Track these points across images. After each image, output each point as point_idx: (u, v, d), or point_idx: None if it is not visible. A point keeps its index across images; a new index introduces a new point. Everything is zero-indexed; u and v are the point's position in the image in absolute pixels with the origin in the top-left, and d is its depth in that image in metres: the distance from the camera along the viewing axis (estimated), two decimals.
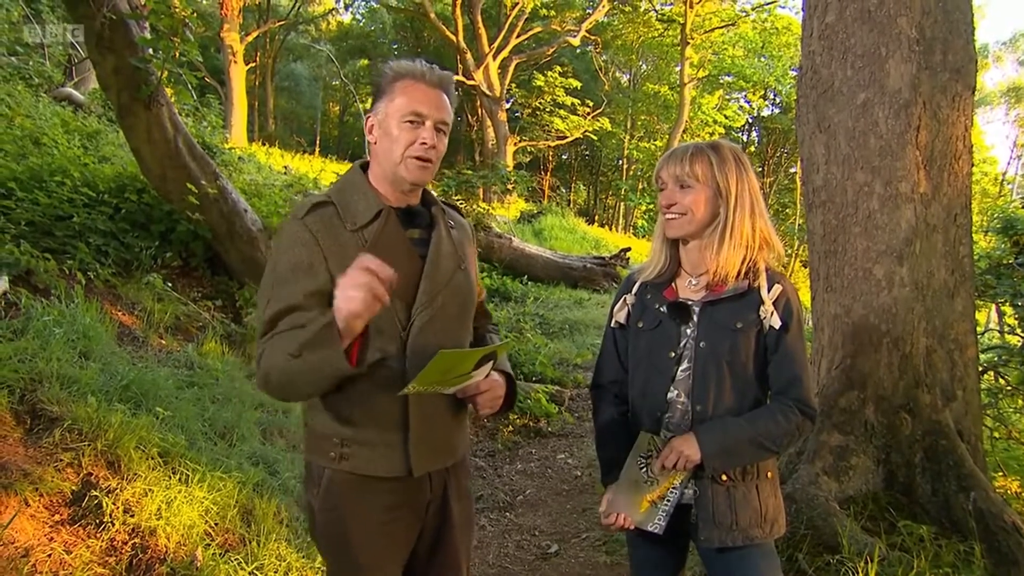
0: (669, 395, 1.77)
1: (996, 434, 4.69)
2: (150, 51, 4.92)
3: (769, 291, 1.72)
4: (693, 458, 1.67)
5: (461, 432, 1.76)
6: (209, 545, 2.68)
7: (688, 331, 1.76)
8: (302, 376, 1.45)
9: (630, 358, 1.87)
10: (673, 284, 1.82)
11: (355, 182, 1.64)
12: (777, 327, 1.71)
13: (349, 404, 1.57)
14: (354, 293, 1.35)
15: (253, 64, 25.41)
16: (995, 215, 7.96)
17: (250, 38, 22.11)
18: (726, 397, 1.73)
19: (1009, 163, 36.87)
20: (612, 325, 1.91)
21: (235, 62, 18.16)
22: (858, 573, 2.68)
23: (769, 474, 1.80)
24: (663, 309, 1.80)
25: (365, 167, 1.68)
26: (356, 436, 1.58)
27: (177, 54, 5.01)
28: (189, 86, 8.04)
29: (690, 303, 1.78)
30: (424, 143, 1.56)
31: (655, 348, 1.79)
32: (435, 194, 1.77)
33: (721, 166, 1.72)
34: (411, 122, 1.55)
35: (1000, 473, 4.01)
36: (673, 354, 1.76)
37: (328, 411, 1.59)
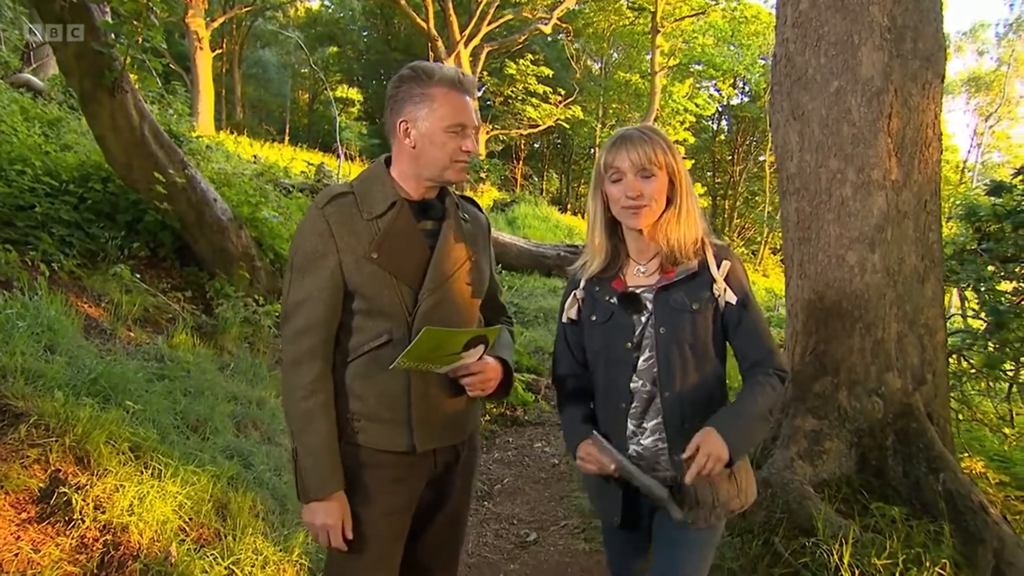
0: (632, 385, 1.75)
1: (960, 416, 4.81)
2: (113, 36, 4.78)
3: (719, 268, 1.73)
4: (723, 458, 1.58)
5: (469, 412, 1.85)
6: (184, 540, 2.63)
7: (643, 319, 1.74)
8: (298, 429, 1.68)
9: (588, 352, 1.86)
10: (620, 274, 1.80)
11: (377, 175, 1.75)
12: (734, 303, 1.72)
13: (360, 382, 1.70)
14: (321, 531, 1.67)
15: (220, 51, 24.96)
16: (957, 202, 8.14)
17: (216, 24, 21.69)
18: (691, 380, 1.72)
19: (970, 151, 37.75)
20: (564, 321, 1.89)
21: (201, 48, 17.77)
22: (833, 555, 2.73)
23: None
24: (613, 301, 1.77)
25: (388, 161, 1.77)
26: (366, 411, 1.71)
27: (141, 39, 4.88)
28: (154, 72, 7.85)
29: (640, 291, 1.76)
30: (468, 151, 1.70)
31: (611, 341, 1.77)
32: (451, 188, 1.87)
33: (669, 150, 1.72)
34: (456, 132, 1.67)
35: (965, 454, 4.12)
36: (630, 344, 1.74)
37: (342, 389, 1.71)
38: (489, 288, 1.92)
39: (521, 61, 24.79)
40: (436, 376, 1.71)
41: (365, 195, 1.70)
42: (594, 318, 1.80)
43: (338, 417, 1.70)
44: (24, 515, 2.39)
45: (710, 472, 1.57)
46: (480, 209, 1.95)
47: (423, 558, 1.91)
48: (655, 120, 24.17)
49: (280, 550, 2.81)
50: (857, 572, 2.68)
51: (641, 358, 1.74)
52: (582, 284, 1.84)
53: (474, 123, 1.71)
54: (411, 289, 1.68)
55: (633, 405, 1.75)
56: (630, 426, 1.76)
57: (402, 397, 1.70)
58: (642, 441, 1.76)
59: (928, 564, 2.70)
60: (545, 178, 33.52)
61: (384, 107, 1.76)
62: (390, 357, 1.63)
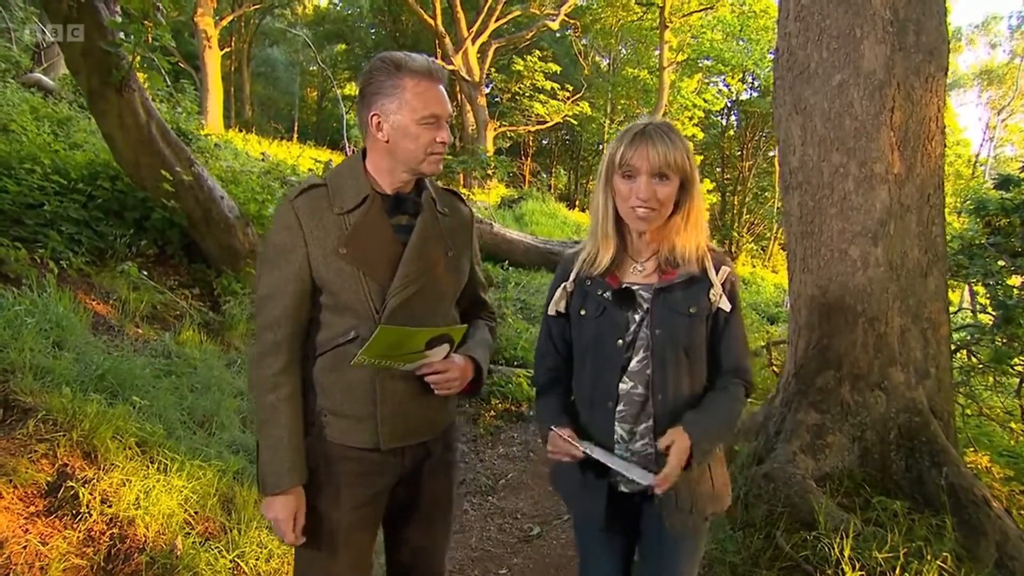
0: (622, 386, 1.70)
1: (968, 411, 4.79)
2: (121, 35, 4.83)
3: (717, 273, 1.71)
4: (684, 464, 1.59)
5: (439, 410, 1.81)
6: (189, 534, 2.66)
7: (636, 318, 1.70)
8: (261, 421, 1.66)
9: (575, 348, 1.81)
10: (616, 270, 1.75)
11: (351, 168, 1.71)
12: (727, 310, 1.71)
13: (327, 377, 1.68)
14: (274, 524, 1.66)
15: (228, 49, 25.05)
16: (968, 196, 8.09)
17: (224, 22, 21.78)
18: (684, 384, 1.69)
19: (982, 145, 37.40)
20: (552, 314, 1.83)
21: (209, 47, 17.83)
22: (834, 548, 2.73)
23: (717, 450, 1.79)
24: (607, 295, 1.72)
25: (365, 153, 1.73)
26: (333, 407, 1.69)
27: (149, 38, 4.92)
28: (162, 71, 7.90)
29: (636, 288, 1.71)
30: (444, 142, 1.66)
31: (602, 336, 1.72)
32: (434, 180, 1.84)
33: (687, 153, 1.65)
34: (430, 124, 1.62)
35: (971, 449, 4.10)
36: (621, 342, 1.69)
37: (311, 383, 1.70)
38: (469, 284, 1.87)
39: (529, 57, 24.70)
40: (404, 374, 1.68)
41: (337, 189, 1.67)
42: (584, 312, 1.75)
43: (307, 411, 1.69)
44: (32, 508, 2.44)
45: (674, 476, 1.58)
46: (463, 202, 1.90)
47: (405, 557, 1.91)
48: (663, 116, 24.06)
49: (284, 544, 2.84)
50: (858, 565, 2.68)
51: (634, 359, 1.70)
52: (572, 277, 1.79)
53: (447, 113, 1.66)
54: (380, 286, 1.64)
55: (621, 407, 1.71)
56: (620, 430, 1.72)
57: (368, 394, 1.67)
58: (631, 447, 1.72)
59: (929, 557, 2.69)
60: (553, 174, 33.48)
61: (357, 101, 1.71)
62: (356, 354, 1.60)
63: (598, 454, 1.65)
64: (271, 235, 1.67)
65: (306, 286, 1.64)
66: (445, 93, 1.67)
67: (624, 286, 1.72)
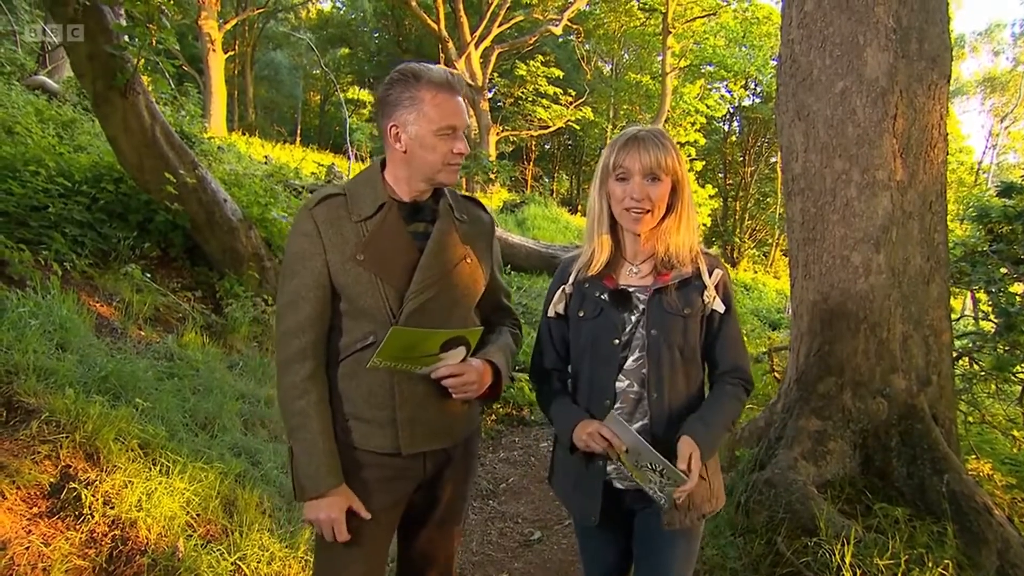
0: (618, 384, 1.75)
1: (970, 419, 4.79)
2: (125, 38, 4.85)
3: (710, 275, 1.76)
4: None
5: (461, 416, 1.81)
6: (191, 536, 2.67)
7: (633, 318, 1.75)
8: (293, 428, 1.68)
9: (572, 348, 1.86)
10: (612, 272, 1.80)
11: (370, 177, 1.74)
12: (721, 311, 1.76)
13: (348, 382, 1.70)
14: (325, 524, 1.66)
15: (232, 52, 25.13)
16: (970, 204, 8.10)
17: (228, 26, 21.84)
18: (679, 382, 1.75)
19: (985, 152, 37.31)
20: (551, 315, 1.88)
21: (213, 50, 17.87)
22: (835, 555, 2.73)
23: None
24: (604, 297, 1.77)
25: (384, 162, 1.75)
26: (354, 412, 1.70)
27: (154, 41, 4.94)
28: (166, 74, 7.93)
29: (632, 290, 1.77)
30: (460, 152, 1.69)
31: (599, 336, 1.77)
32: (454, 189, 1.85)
33: (678, 157, 1.72)
34: (447, 135, 1.65)
35: (973, 456, 4.09)
36: (617, 341, 1.75)
37: (334, 388, 1.72)
38: (491, 291, 1.88)
39: (532, 62, 24.79)
40: (423, 379, 1.68)
41: (356, 197, 1.69)
42: (582, 314, 1.80)
43: (332, 416, 1.70)
44: (35, 510, 2.44)
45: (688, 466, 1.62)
46: (484, 209, 1.91)
47: (416, 561, 1.92)
48: (666, 121, 24.09)
49: (286, 546, 2.84)
50: (859, 572, 2.68)
51: (630, 358, 1.75)
52: (571, 280, 1.84)
53: (465, 123, 1.69)
54: (397, 291, 1.65)
55: (618, 405, 1.75)
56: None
57: (388, 399, 1.68)
58: None
59: (931, 564, 2.69)
60: (555, 179, 33.53)
61: (376, 111, 1.73)
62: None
63: (643, 445, 1.60)
64: (290, 244, 1.69)
65: (326, 292, 1.66)
66: (463, 104, 1.69)
67: (620, 287, 1.78)
